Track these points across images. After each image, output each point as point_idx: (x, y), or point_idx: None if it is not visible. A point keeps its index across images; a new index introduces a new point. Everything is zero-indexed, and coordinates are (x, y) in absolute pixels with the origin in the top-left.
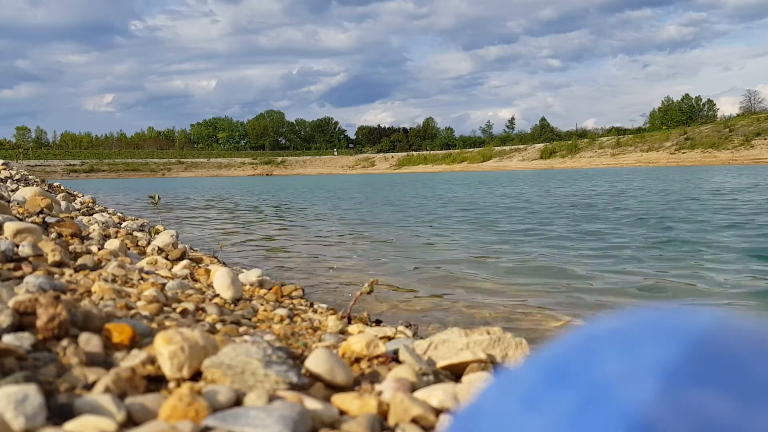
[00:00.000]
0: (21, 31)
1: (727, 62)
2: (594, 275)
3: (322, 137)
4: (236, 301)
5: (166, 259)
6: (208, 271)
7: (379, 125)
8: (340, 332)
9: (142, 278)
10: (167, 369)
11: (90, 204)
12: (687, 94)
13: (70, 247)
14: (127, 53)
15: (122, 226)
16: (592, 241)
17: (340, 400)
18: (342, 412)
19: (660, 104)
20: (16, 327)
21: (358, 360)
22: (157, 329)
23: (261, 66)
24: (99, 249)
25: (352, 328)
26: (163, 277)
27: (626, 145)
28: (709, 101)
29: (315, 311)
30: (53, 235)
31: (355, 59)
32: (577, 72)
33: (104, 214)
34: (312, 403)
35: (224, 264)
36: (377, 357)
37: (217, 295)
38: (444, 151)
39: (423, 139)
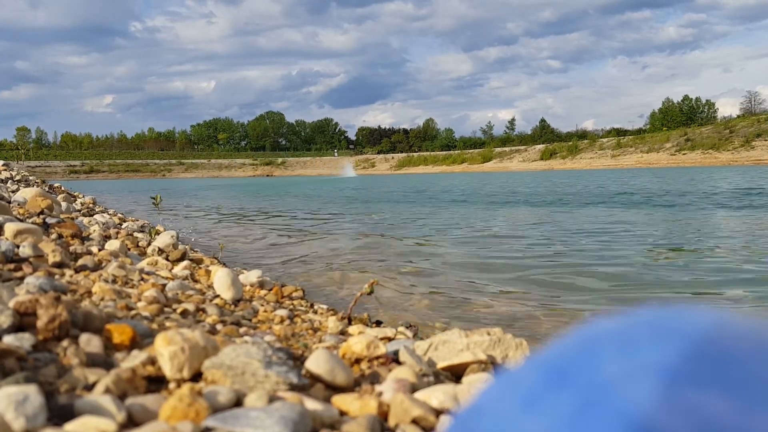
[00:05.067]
0: (20, 33)
1: (727, 63)
2: None
3: (322, 138)
4: (236, 301)
5: (167, 259)
6: (208, 272)
7: (379, 126)
8: (341, 333)
9: (142, 279)
10: (168, 370)
11: (90, 205)
12: (687, 96)
13: (71, 248)
14: (127, 54)
15: (123, 226)
16: None
17: (341, 400)
18: (342, 413)
19: (660, 105)
20: (17, 328)
21: (358, 361)
22: (157, 330)
23: (260, 67)
24: (99, 250)
25: (353, 329)
26: (163, 277)
27: (626, 146)
28: (709, 102)
29: (315, 312)
30: (54, 236)
31: (354, 60)
32: (577, 73)
33: (105, 214)
34: (312, 404)
35: (224, 265)
36: (377, 358)
37: (218, 296)
38: (444, 152)
39: (423, 140)
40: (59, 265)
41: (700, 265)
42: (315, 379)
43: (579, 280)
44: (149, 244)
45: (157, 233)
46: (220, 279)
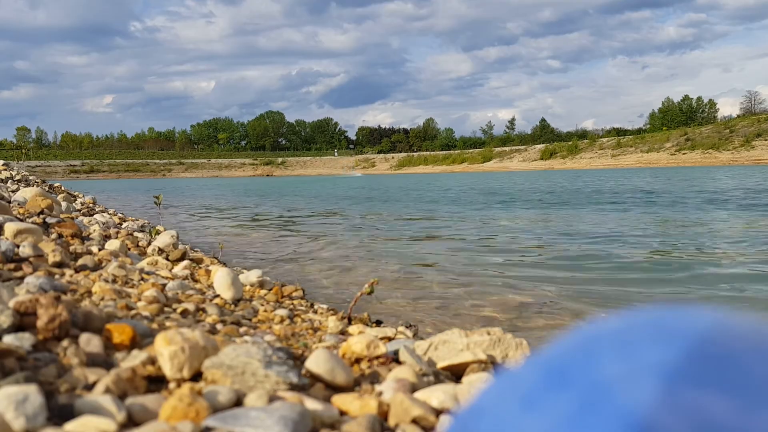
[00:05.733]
0: (20, 33)
1: (727, 63)
2: None
3: (322, 138)
4: (236, 301)
5: (167, 259)
6: (208, 272)
7: (379, 126)
8: (341, 333)
9: (142, 279)
10: (168, 369)
11: (90, 204)
12: (687, 95)
13: (71, 248)
14: (127, 54)
15: (123, 226)
16: None
17: (341, 400)
18: (342, 413)
19: (659, 105)
20: (17, 327)
21: (358, 360)
22: (157, 330)
23: (260, 67)
24: (99, 249)
25: (353, 329)
26: (163, 277)
27: (626, 146)
28: (711, 102)
29: (315, 312)
30: (54, 236)
31: (354, 60)
32: (577, 73)
33: (105, 214)
34: (312, 404)
35: (225, 264)
36: (377, 357)
37: (218, 296)
38: (444, 152)
39: (423, 139)
40: (59, 264)
41: (700, 264)
42: (315, 378)
43: (580, 279)
44: (149, 243)
45: (157, 233)
46: (220, 279)
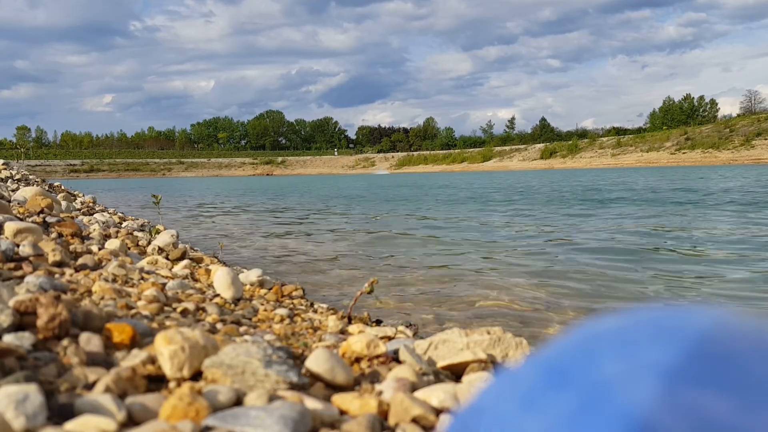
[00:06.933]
0: (20, 32)
1: (727, 63)
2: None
3: (322, 137)
4: (236, 301)
5: (167, 259)
6: (208, 271)
7: (379, 125)
8: (341, 332)
9: (142, 278)
10: (168, 369)
11: (90, 204)
12: (689, 94)
13: (71, 247)
14: (127, 54)
15: (123, 226)
16: None
17: (341, 399)
18: (342, 412)
19: (659, 104)
20: (17, 327)
21: (358, 360)
22: (157, 329)
23: (259, 66)
24: (99, 249)
25: (353, 328)
26: (163, 276)
27: (627, 146)
28: (712, 101)
29: (315, 311)
30: (54, 235)
31: (354, 60)
32: (577, 72)
33: (105, 213)
34: (312, 403)
35: (225, 264)
36: (377, 357)
37: (218, 295)
38: (444, 152)
39: (423, 139)
40: (59, 264)
41: (700, 263)
42: (315, 378)
43: (581, 279)
44: (149, 243)
45: (157, 232)
46: (220, 278)
